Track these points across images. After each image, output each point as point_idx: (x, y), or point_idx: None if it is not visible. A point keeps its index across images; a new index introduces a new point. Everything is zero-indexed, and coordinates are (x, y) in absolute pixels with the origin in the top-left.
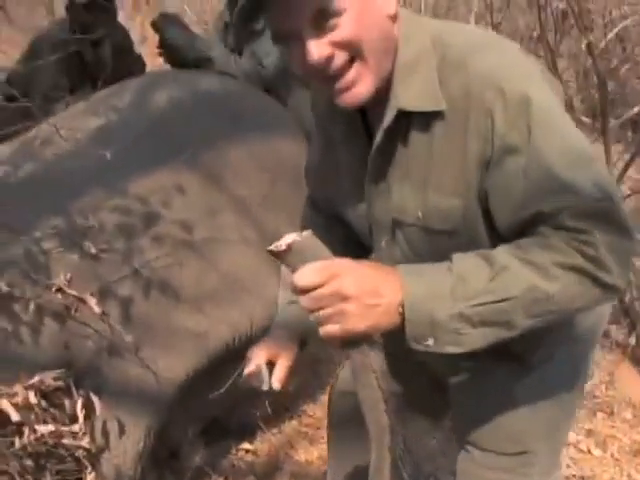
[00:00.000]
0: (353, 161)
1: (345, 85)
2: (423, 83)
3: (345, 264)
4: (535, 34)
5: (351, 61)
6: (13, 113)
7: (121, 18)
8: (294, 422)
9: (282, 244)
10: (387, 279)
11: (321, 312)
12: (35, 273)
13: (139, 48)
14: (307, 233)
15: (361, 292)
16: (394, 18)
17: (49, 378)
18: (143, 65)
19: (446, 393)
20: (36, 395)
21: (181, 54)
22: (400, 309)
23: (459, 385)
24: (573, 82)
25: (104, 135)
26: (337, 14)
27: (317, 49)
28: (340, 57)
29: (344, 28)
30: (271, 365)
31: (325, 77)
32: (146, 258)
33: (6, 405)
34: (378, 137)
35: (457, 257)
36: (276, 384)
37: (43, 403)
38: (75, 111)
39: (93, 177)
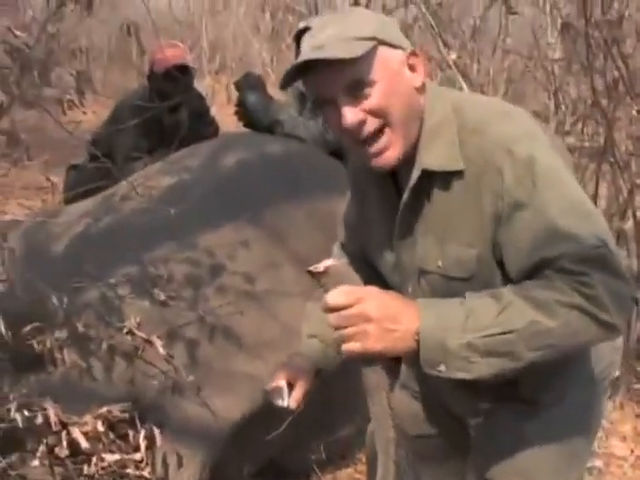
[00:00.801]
0: (384, 216)
1: (377, 150)
2: (445, 146)
3: (371, 290)
4: (589, 101)
5: (382, 128)
6: (96, 171)
7: (205, 82)
8: (349, 469)
9: (320, 267)
10: (406, 309)
11: (346, 330)
12: (109, 316)
13: (225, 109)
14: (343, 260)
15: (382, 316)
16: (421, 89)
17: (116, 410)
18: (217, 128)
19: (469, 434)
20: (103, 424)
21: (254, 118)
22: (416, 336)
23: (477, 426)
24: (631, 145)
25: (177, 193)
26: (369, 85)
27: (351, 115)
28: (371, 123)
29: (375, 97)
30: (290, 387)
31: (358, 140)
32: (211, 306)
33: (77, 434)
34: (405, 195)
35: (469, 295)
36: (293, 403)
37: (110, 434)
38: (152, 171)
39: (165, 231)
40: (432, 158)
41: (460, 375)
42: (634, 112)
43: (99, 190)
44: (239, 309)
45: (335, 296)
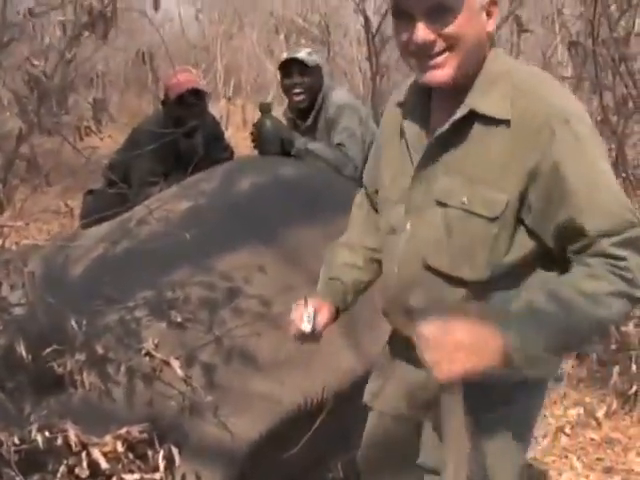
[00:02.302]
0: (411, 147)
1: (434, 64)
2: (497, 96)
3: (459, 320)
4: (599, 117)
5: (445, 51)
6: (113, 196)
7: (220, 105)
8: None
9: (416, 306)
10: (489, 331)
11: (437, 357)
12: (127, 338)
13: (240, 131)
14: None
15: (470, 343)
16: (490, 35)
17: (135, 430)
18: (232, 152)
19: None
20: (123, 445)
21: (266, 142)
22: (500, 352)
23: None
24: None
25: (192, 217)
26: (450, 13)
27: (424, 33)
28: (439, 45)
29: (452, 25)
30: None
31: (419, 55)
32: (227, 328)
33: (97, 454)
34: (445, 127)
35: (527, 297)
36: (319, 327)
37: (130, 455)
38: (168, 195)
39: (182, 254)
40: (483, 103)
41: (537, 372)
42: None
43: (116, 215)
44: (256, 331)
45: (428, 328)
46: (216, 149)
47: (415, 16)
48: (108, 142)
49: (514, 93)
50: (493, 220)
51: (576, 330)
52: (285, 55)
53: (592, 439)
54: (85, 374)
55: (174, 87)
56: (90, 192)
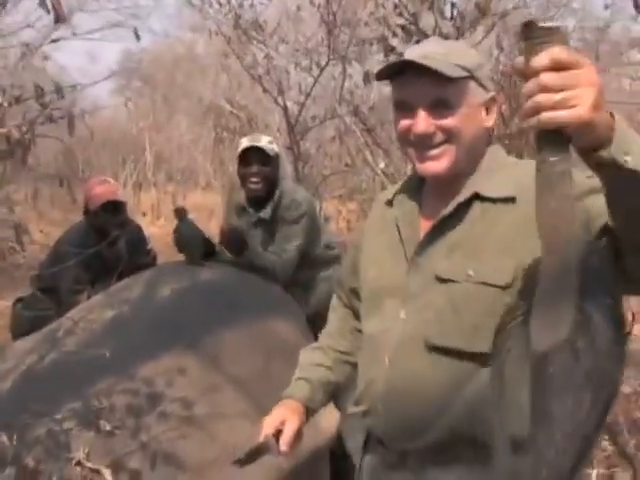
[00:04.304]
0: (401, 240)
1: (431, 155)
2: (502, 179)
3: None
4: None
5: (443, 143)
6: (41, 304)
7: (150, 194)
8: None
9: (554, 24)
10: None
11: (560, 94)
12: (57, 449)
13: (172, 219)
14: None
15: (601, 86)
16: (489, 130)
17: None
18: (154, 257)
19: None
20: None
21: (187, 248)
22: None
23: None
24: None
25: (116, 326)
26: (451, 107)
27: (425, 124)
28: (438, 137)
29: (452, 119)
30: (278, 433)
31: (417, 145)
32: (153, 433)
33: None
34: (448, 209)
35: None
36: (284, 447)
37: None
38: (93, 304)
39: (106, 364)
40: (488, 187)
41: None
42: None
43: (44, 324)
44: (180, 434)
45: (562, 52)
46: (139, 254)
47: (417, 108)
48: (40, 236)
49: (520, 175)
50: (505, 288)
51: None
52: (245, 142)
53: None
54: None
55: (93, 199)
56: (19, 300)
